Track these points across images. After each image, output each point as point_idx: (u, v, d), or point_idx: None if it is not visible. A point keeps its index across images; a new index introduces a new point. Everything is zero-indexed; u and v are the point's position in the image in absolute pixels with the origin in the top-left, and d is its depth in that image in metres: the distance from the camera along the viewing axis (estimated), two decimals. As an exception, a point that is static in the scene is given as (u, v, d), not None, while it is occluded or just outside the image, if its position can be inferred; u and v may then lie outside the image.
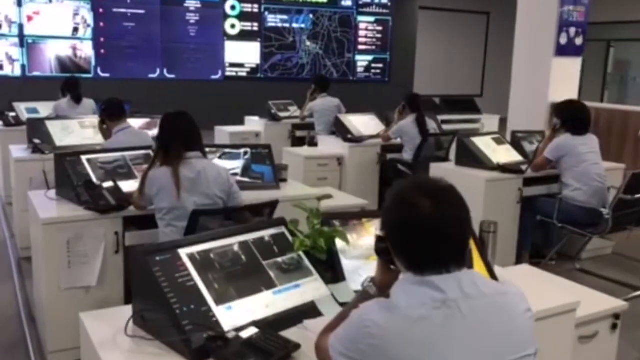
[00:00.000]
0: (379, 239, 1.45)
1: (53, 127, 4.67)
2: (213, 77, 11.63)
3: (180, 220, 2.74)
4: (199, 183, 2.78)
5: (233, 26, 11.63)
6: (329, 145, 5.85)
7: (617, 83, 15.05)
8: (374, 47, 12.78)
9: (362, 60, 12.73)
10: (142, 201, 2.84)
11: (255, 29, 11.80)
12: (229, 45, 11.66)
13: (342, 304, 1.84)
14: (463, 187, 4.06)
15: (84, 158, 3.19)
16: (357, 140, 5.66)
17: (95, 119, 4.96)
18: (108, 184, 2.97)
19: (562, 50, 6.72)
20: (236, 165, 3.55)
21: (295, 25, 12.12)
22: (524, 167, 4.34)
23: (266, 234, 1.96)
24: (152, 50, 11.06)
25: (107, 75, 10.67)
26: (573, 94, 6.93)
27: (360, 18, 12.54)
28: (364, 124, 6.03)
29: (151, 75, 11.10)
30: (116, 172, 3.24)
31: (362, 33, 12.61)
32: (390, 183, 5.07)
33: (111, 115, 3.99)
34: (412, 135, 5.44)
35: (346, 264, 1.99)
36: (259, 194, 3.32)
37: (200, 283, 1.68)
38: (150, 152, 3.48)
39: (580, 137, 4.18)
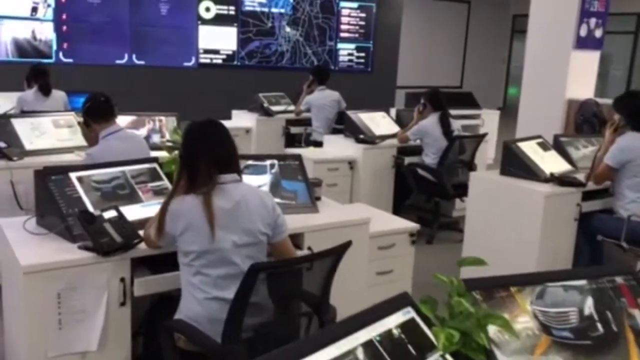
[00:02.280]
0: None
1: (21, 126, 3.85)
2: (186, 64, 10.76)
3: (214, 267, 2.05)
4: (239, 216, 2.08)
5: (208, 9, 10.77)
6: (337, 146, 5.18)
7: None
8: (356, 35, 12.10)
9: (344, 49, 12.04)
10: (160, 241, 2.12)
11: (232, 12, 10.96)
12: (203, 30, 10.79)
13: None
14: (517, 203, 3.43)
15: (73, 176, 2.44)
16: (371, 141, 5.00)
17: (69, 116, 4.17)
18: (110, 214, 2.24)
19: (582, 43, 6.20)
20: (263, 181, 2.85)
21: (274, 10, 11.33)
22: (579, 177, 3.78)
23: (393, 323, 1.29)
24: (119, 34, 10.11)
25: (69, 60, 9.68)
26: (590, 91, 6.45)
27: (342, 4, 11.83)
28: (374, 122, 5.38)
29: (118, 61, 10.16)
30: (116, 195, 2.51)
31: (344, 20, 11.90)
32: (410, 190, 4.46)
33: (98, 115, 3.22)
34: (435, 136, 4.82)
35: (506, 364, 1.34)
36: (295, 220, 2.64)
37: None
38: (155, 165, 2.75)
39: None
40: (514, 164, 3.82)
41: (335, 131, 6.08)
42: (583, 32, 6.19)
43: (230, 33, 10.99)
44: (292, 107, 6.69)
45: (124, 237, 2.20)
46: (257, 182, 2.81)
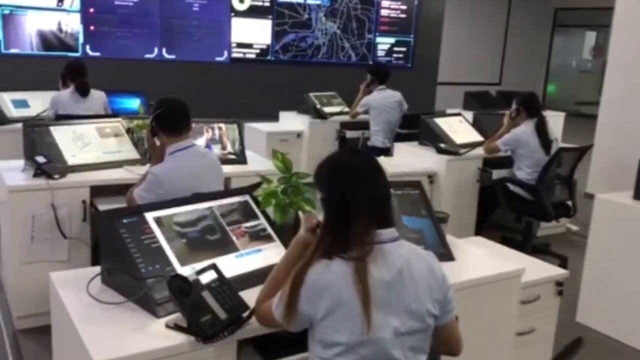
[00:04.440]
0: None
1: (61, 135, 3.23)
2: (218, 58, 10.16)
3: (367, 365, 1.42)
4: (402, 291, 1.45)
5: (242, 0, 10.14)
6: (411, 156, 4.53)
7: None
8: (396, 29, 11.41)
9: (383, 43, 11.36)
10: (289, 323, 1.48)
11: (267, 4, 10.32)
12: (237, 23, 10.18)
13: None
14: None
15: (149, 217, 1.82)
16: (454, 151, 4.34)
17: (116, 123, 3.56)
18: (208, 277, 1.61)
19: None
20: (380, 218, 2.21)
21: (310, 1, 10.67)
22: None
23: None
24: (149, 27, 9.53)
25: (97, 54, 9.11)
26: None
27: (382, -5, 11.14)
28: (452, 128, 4.71)
29: (148, 56, 9.58)
30: (205, 242, 1.88)
31: (384, 12, 11.22)
32: (492, 206, 3.81)
33: (171, 126, 2.61)
34: (531, 147, 4.14)
35: None
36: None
37: None
38: (248, 198, 2.12)
39: None
40: (655, 187, 3.15)
41: (399, 137, 5.43)
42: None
43: (265, 26, 10.36)
44: (347, 109, 6.05)
45: (229, 312, 1.58)
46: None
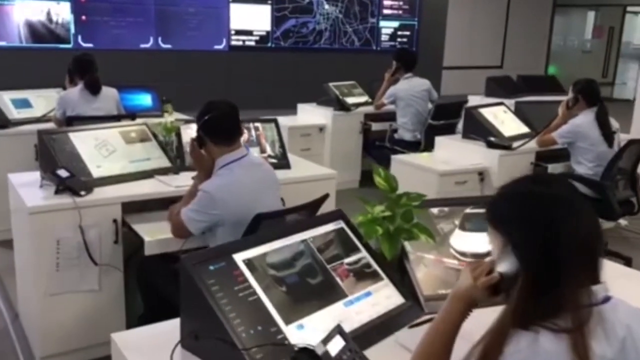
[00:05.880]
0: None
1: (82, 143, 2.78)
2: (216, 47, 9.69)
3: None
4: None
5: (240, -15, 9.66)
6: (456, 151, 4.14)
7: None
8: (400, 12, 10.99)
9: (387, 27, 10.93)
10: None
11: (266, -12, 9.85)
12: (235, 9, 9.72)
13: None
14: None
15: (239, 260, 1.41)
16: (507, 145, 3.96)
17: (141, 126, 3.12)
18: (336, 345, 1.22)
19: None
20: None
21: (311, -15, 10.21)
22: None
23: None
24: (143, 15, 9.02)
25: (89, 45, 8.60)
26: None
27: (385, -23, 10.70)
28: (498, 119, 4.33)
29: (143, 46, 9.10)
30: (308, 288, 1.48)
31: (387, -6, 10.78)
32: None
33: (222, 135, 2.21)
34: (592, 139, 3.78)
35: None
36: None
37: None
38: (342, 224, 1.71)
39: None
40: None
41: (431, 128, 5.03)
42: None
43: (264, 11, 9.88)
44: (370, 100, 5.65)
45: (370, 394, 1.19)
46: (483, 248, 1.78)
